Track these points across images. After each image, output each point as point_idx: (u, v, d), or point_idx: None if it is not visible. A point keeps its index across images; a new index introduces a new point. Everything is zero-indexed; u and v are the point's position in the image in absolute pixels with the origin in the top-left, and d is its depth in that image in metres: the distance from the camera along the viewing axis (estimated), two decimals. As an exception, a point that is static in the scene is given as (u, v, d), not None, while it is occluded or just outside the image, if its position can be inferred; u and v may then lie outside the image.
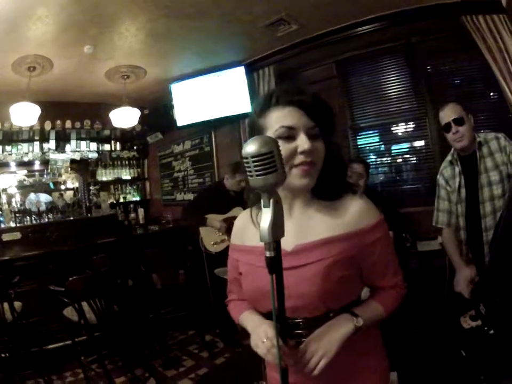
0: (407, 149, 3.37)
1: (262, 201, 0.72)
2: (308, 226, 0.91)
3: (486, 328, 1.64)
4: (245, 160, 0.69)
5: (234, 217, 3.60)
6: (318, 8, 2.89)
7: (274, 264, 0.72)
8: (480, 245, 1.92)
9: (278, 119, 0.86)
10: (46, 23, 2.67)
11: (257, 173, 0.68)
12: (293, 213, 0.94)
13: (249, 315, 1.00)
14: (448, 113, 1.96)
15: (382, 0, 2.85)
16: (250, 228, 0.97)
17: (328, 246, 0.87)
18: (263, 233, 0.70)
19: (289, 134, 0.85)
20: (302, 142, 0.83)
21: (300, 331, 0.89)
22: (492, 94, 2.98)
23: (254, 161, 0.68)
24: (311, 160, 0.84)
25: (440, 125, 2.03)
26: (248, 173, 0.70)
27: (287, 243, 0.87)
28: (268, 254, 0.71)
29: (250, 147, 0.68)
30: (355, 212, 0.90)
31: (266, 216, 0.70)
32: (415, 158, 3.32)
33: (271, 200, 0.71)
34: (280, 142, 0.75)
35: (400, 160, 3.40)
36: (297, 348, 0.84)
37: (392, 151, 3.42)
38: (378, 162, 3.47)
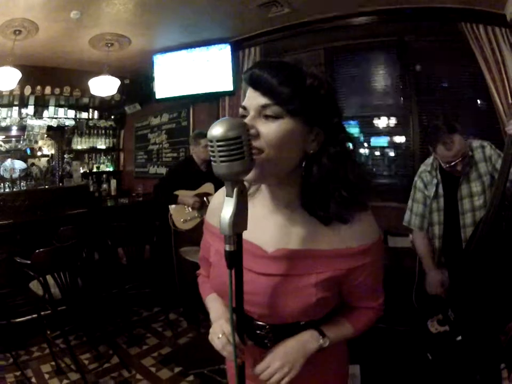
0: (386, 143, 3.33)
1: (225, 189, 0.66)
2: (293, 230, 0.80)
3: (453, 334, 1.67)
4: (209, 144, 0.63)
5: (205, 194, 3.36)
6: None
7: (234, 258, 0.68)
8: (459, 255, 1.89)
9: None
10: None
11: (221, 158, 0.62)
12: (279, 208, 0.82)
13: (213, 302, 0.96)
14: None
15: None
16: None
17: (313, 260, 0.78)
18: (223, 226, 0.65)
19: (243, 115, 0.74)
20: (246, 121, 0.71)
21: (263, 333, 0.84)
22: (480, 102, 2.96)
23: (218, 146, 0.61)
24: (255, 146, 0.69)
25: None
26: (211, 158, 0.63)
27: (267, 243, 0.81)
28: (227, 247, 0.66)
29: (216, 129, 0.61)
30: (351, 228, 0.78)
31: (228, 207, 0.65)
32: (393, 153, 3.29)
33: (235, 190, 0.65)
34: None
35: (378, 153, 3.36)
36: (263, 354, 0.82)
37: (371, 144, 3.39)
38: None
